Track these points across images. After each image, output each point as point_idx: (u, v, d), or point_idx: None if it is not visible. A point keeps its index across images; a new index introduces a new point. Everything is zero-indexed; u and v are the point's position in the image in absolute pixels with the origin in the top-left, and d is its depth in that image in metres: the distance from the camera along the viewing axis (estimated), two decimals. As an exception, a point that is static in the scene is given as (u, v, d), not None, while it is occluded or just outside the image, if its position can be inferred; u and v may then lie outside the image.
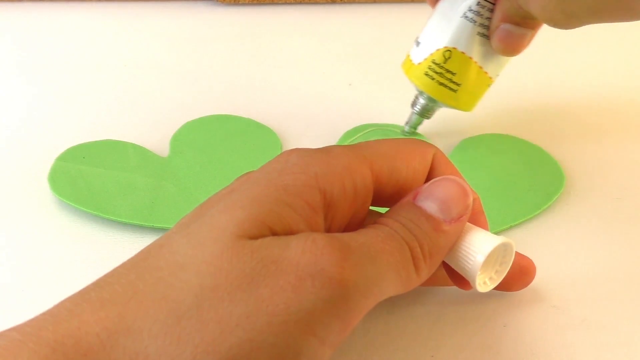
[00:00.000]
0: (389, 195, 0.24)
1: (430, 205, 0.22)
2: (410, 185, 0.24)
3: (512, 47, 0.31)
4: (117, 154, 0.36)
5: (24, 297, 0.28)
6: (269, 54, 0.48)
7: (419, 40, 0.34)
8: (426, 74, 0.33)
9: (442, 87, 0.33)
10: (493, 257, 0.24)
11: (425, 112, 0.36)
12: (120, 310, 0.18)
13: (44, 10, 0.52)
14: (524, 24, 0.30)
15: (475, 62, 0.32)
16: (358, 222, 0.23)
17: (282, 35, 0.51)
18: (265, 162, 0.36)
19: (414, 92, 0.36)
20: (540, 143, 0.38)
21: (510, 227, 0.33)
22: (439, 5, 0.33)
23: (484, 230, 0.24)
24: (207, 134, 0.38)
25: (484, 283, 0.24)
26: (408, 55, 0.35)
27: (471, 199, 0.23)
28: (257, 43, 0.49)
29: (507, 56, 0.32)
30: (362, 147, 0.23)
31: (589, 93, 0.45)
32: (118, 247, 0.31)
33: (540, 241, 0.32)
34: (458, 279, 0.25)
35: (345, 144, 0.38)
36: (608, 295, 0.29)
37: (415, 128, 0.37)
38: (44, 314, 0.19)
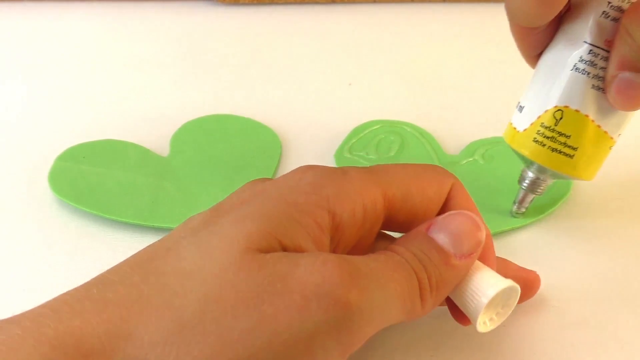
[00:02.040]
0: (401, 221, 0.23)
1: (442, 238, 0.22)
2: (423, 213, 0.23)
3: (634, 99, 0.26)
4: (117, 153, 0.36)
5: (24, 297, 0.28)
6: (269, 54, 0.48)
7: (522, 104, 0.29)
8: (535, 141, 0.28)
9: (555, 154, 0.28)
10: (497, 299, 0.24)
11: (536, 187, 0.31)
12: (124, 314, 0.18)
13: (44, 10, 0.52)
14: None
15: (593, 121, 0.27)
16: (365, 245, 0.23)
17: (282, 35, 0.51)
18: (264, 162, 0.36)
19: (520, 166, 0.32)
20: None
21: (513, 229, 0.33)
22: (542, 61, 0.29)
23: (491, 271, 0.23)
24: (207, 133, 0.38)
25: (484, 323, 0.24)
26: (510, 124, 0.30)
27: (484, 235, 0.23)
28: (257, 43, 0.49)
29: (628, 110, 0.27)
30: (378, 171, 0.23)
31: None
32: (118, 247, 0.31)
33: (541, 241, 0.32)
34: (458, 313, 0.24)
35: (354, 140, 0.38)
36: (608, 296, 0.29)
37: (526, 208, 0.32)
38: (43, 307, 0.19)
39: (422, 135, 0.38)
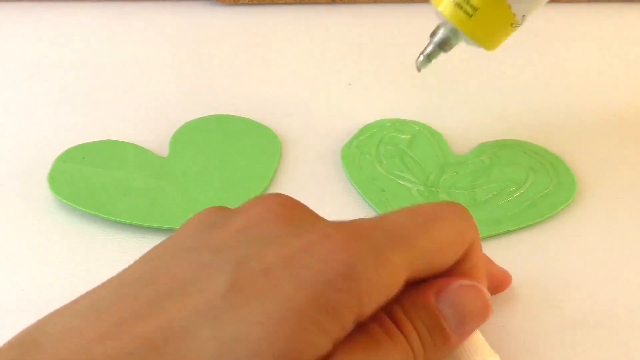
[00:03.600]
0: (415, 280, 0.22)
1: (450, 315, 0.21)
2: (439, 270, 0.22)
3: None
4: (117, 154, 0.36)
5: (24, 297, 0.28)
6: (269, 54, 0.48)
7: None
8: None
9: (457, 10, 0.31)
10: None
11: (444, 44, 0.34)
12: None
13: (44, 10, 0.52)
14: None
15: None
16: None
17: (282, 35, 0.51)
18: (264, 162, 0.36)
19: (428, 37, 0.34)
20: (557, 150, 0.38)
21: (514, 231, 0.33)
22: None
23: (481, 342, 0.23)
24: (206, 134, 0.38)
25: None
26: None
27: (490, 313, 0.22)
28: (257, 43, 0.49)
29: None
30: (406, 241, 0.21)
31: (611, 100, 0.44)
32: (118, 247, 0.31)
33: (541, 241, 0.32)
34: None
35: (361, 137, 0.38)
36: (608, 295, 0.29)
37: (430, 60, 0.35)
38: None
39: (432, 135, 0.38)
